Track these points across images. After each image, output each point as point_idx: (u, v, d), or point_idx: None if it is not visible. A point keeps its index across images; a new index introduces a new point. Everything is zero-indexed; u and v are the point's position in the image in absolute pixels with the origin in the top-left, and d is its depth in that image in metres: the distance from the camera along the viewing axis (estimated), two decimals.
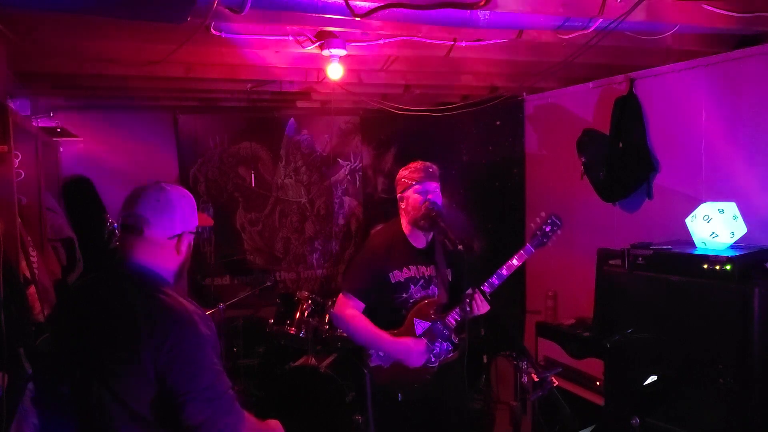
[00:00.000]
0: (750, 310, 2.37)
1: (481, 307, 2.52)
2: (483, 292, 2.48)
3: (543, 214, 2.64)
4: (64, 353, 1.71)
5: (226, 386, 1.61)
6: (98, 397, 1.57)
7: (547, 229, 2.62)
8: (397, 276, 2.59)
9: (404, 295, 2.60)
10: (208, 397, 1.56)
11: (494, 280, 2.56)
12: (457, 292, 2.66)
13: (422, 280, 2.64)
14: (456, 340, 2.64)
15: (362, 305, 2.59)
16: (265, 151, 5.33)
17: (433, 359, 2.59)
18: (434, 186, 2.61)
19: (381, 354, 2.59)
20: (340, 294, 2.65)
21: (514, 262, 2.58)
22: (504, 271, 2.57)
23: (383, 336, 2.54)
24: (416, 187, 2.58)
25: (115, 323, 1.59)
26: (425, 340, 2.56)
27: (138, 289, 1.62)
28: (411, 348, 2.53)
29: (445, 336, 2.59)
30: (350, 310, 2.57)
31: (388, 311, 2.60)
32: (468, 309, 2.47)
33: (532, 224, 2.66)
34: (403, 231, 2.67)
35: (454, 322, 2.57)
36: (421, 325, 2.59)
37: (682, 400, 2.62)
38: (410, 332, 2.58)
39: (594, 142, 3.71)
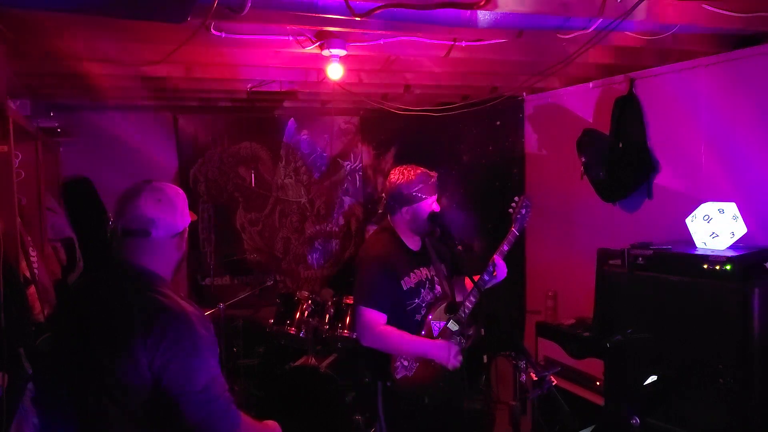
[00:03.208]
0: (750, 310, 2.37)
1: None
2: (483, 282, 2.60)
3: (517, 198, 2.76)
4: (63, 353, 1.70)
5: (222, 388, 1.61)
6: (96, 397, 1.57)
7: (524, 212, 2.74)
8: (408, 282, 2.59)
9: (417, 300, 2.60)
10: (203, 399, 1.55)
11: (490, 267, 2.61)
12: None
13: (428, 282, 2.65)
14: (468, 333, 2.66)
15: (385, 317, 2.53)
16: (265, 151, 5.33)
17: None
18: (436, 195, 2.64)
19: (405, 363, 2.56)
20: (361, 312, 2.54)
21: (504, 248, 2.67)
22: (496, 259, 2.64)
23: (424, 340, 2.54)
24: (428, 201, 2.57)
25: (114, 323, 1.59)
26: (455, 342, 2.56)
27: (137, 290, 1.62)
28: (449, 348, 2.52)
29: (459, 331, 2.60)
30: (379, 325, 2.52)
31: (403, 319, 2.57)
32: (475, 298, 2.57)
33: (510, 210, 2.75)
34: (399, 236, 2.66)
35: (464, 317, 2.58)
36: (437, 326, 2.61)
37: (682, 400, 2.62)
38: (429, 335, 2.59)
39: (594, 142, 3.71)
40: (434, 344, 2.54)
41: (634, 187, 3.48)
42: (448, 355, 2.51)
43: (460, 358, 2.53)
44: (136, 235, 1.66)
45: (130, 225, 1.66)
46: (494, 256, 2.63)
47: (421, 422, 2.57)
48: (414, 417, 2.57)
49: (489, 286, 2.63)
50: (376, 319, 2.51)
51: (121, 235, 1.67)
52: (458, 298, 2.68)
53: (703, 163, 3.14)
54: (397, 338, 2.52)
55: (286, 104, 5.02)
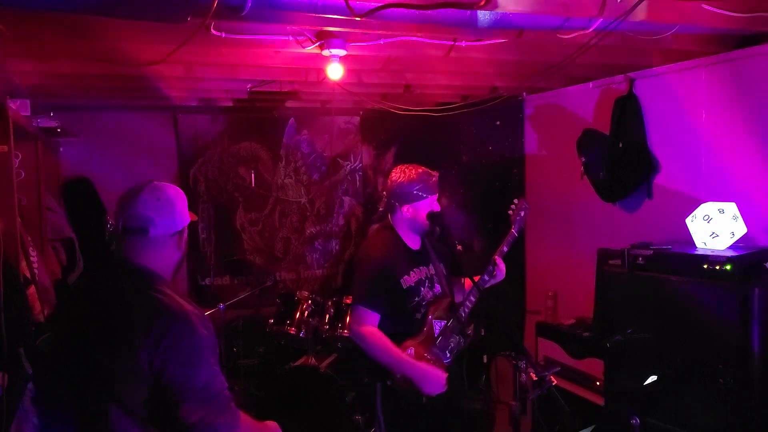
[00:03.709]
0: (750, 310, 2.37)
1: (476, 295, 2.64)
2: (483, 281, 2.61)
3: (516, 200, 2.80)
4: (63, 353, 1.71)
5: (221, 386, 1.61)
6: (96, 397, 1.57)
7: (522, 214, 2.77)
8: (408, 281, 2.59)
9: (417, 299, 2.60)
10: (203, 397, 1.56)
11: (490, 267, 2.62)
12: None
13: (427, 281, 2.65)
14: (468, 332, 2.67)
15: (378, 316, 2.53)
16: (265, 151, 5.33)
17: (447, 355, 2.60)
18: (437, 194, 2.64)
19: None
20: (354, 308, 2.57)
21: (504, 248, 2.69)
22: (497, 260, 2.65)
23: (404, 358, 2.49)
24: (429, 200, 2.58)
25: (114, 323, 1.59)
26: (444, 372, 2.51)
27: (137, 289, 1.63)
28: (430, 375, 2.47)
29: (458, 330, 2.60)
30: (368, 326, 2.51)
31: (403, 317, 2.57)
32: (475, 297, 2.58)
33: (509, 212, 2.78)
34: (400, 235, 2.66)
35: (464, 316, 2.59)
36: (438, 325, 2.60)
37: (682, 400, 2.62)
38: (430, 334, 2.58)
39: (594, 142, 3.72)
40: (412, 365, 2.47)
41: (634, 187, 3.48)
42: (425, 380, 2.45)
43: (441, 389, 2.46)
44: (134, 233, 1.68)
45: (129, 223, 1.68)
46: (494, 256, 2.64)
47: (420, 422, 2.57)
48: (413, 417, 2.57)
49: (488, 285, 2.64)
50: (364, 317, 2.53)
51: (121, 233, 1.70)
52: (457, 298, 2.68)
53: (703, 163, 3.14)
54: (376, 345, 2.48)
55: (286, 104, 5.03)
